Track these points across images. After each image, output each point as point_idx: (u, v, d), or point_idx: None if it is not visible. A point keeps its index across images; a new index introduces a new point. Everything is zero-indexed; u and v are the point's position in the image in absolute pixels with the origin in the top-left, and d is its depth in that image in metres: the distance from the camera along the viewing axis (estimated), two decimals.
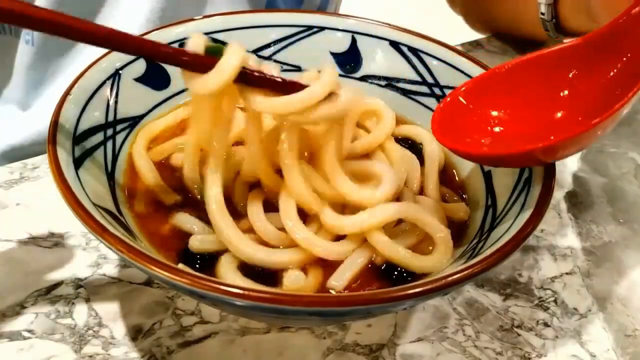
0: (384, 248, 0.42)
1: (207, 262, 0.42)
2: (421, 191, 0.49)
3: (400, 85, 0.55)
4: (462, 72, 0.52)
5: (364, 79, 0.57)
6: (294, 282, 0.40)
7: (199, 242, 0.42)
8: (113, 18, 0.67)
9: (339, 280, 0.41)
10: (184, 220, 0.44)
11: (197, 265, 0.41)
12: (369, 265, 0.43)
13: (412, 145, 0.52)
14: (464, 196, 0.49)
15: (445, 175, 0.51)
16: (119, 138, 0.48)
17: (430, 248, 0.44)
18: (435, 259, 0.43)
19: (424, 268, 0.42)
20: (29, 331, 0.44)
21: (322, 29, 0.56)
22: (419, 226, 0.44)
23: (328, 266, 0.42)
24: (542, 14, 0.70)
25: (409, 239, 0.44)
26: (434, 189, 0.49)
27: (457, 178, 0.51)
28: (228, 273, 0.40)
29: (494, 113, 0.46)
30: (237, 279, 0.40)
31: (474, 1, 0.88)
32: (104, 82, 0.47)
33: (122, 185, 0.46)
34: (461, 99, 0.46)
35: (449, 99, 0.46)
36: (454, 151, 0.44)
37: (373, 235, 0.43)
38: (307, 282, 0.41)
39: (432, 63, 0.54)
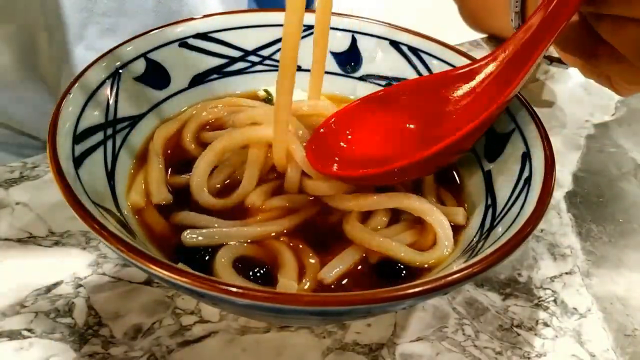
0: (379, 246, 0.43)
1: (204, 260, 0.42)
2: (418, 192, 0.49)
3: None
4: None
5: (364, 78, 0.57)
6: (287, 290, 0.40)
7: (192, 236, 0.43)
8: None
9: (329, 273, 0.42)
10: (187, 216, 0.45)
11: (195, 263, 0.41)
12: (364, 265, 0.43)
13: None
14: (465, 204, 0.49)
15: (446, 175, 0.51)
16: (119, 137, 0.47)
17: (429, 244, 0.45)
18: (437, 252, 0.43)
19: (425, 262, 0.43)
20: (29, 330, 0.44)
21: None
22: (417, 214, 0.45)
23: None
24: (512, 20, 0.71)
25: (407, 237, 0.45)
26: (429, 188, 0.49)
27: (457, 178, 0.51)
28: (223, 271, 0.40)
29: (364, 136, 0.48)
30: (233, 276, 0.40)
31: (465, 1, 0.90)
32: (104, 82, 0.47)
33: (123, 184, 0.46)
34: (333, 126, 0.48)
35: (322, 129, 0.48)
36: (328, 175, 0.45)
37: (364, 235, 0.43)
38: (300, 287, 0.41)
39: (432, 62, 0.54)
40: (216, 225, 0.44)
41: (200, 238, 0.43)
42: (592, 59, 0.45)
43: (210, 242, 0.43)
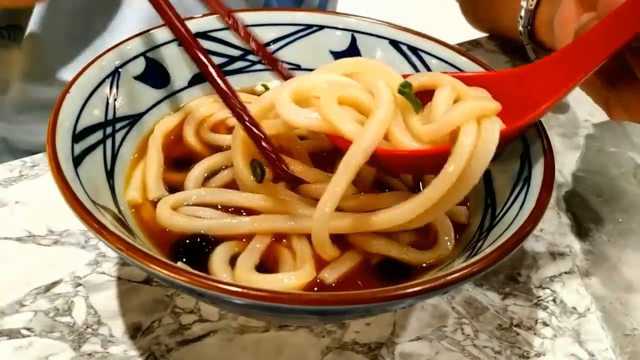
0: (380, 249, 0.43)
1: (201, 256, 0.42)
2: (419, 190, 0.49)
3: None
4: (461, 71, 0.52)
5: None
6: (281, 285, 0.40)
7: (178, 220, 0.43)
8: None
9: (330, 273, 0.41)
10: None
11: (193, 261, 0.41)
12: (364, 264, 0.43)
13: None
14: (466, 203, 0.49)
15: None
16: (119, 136, 0.47)
17: (431, 243, 0.44)
18: (438, 251, 0.43)
19: (426, 261, 0.43)
20: (28, 329, 0.44)
21: (321, 27, 0.56)
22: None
23: (321, 263, 0.42)
24: (521, 17, 0.71)
25: (408, 236, 0.45)
26: None
27: None
28: (219, 268, 0.40)
29: None
30: (227, 273, 0.40)
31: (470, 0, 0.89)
32: (103, 80, 0.47)
33: (123, 182, 0.46)
34: None
35: None
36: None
37: (365, 238, 0.43)
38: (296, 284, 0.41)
39: (432, 62, 0.54)
40: (208, 214, 0.44)
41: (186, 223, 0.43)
42: (609, 83, 0.43)
43: (197, 228, 0.43)
